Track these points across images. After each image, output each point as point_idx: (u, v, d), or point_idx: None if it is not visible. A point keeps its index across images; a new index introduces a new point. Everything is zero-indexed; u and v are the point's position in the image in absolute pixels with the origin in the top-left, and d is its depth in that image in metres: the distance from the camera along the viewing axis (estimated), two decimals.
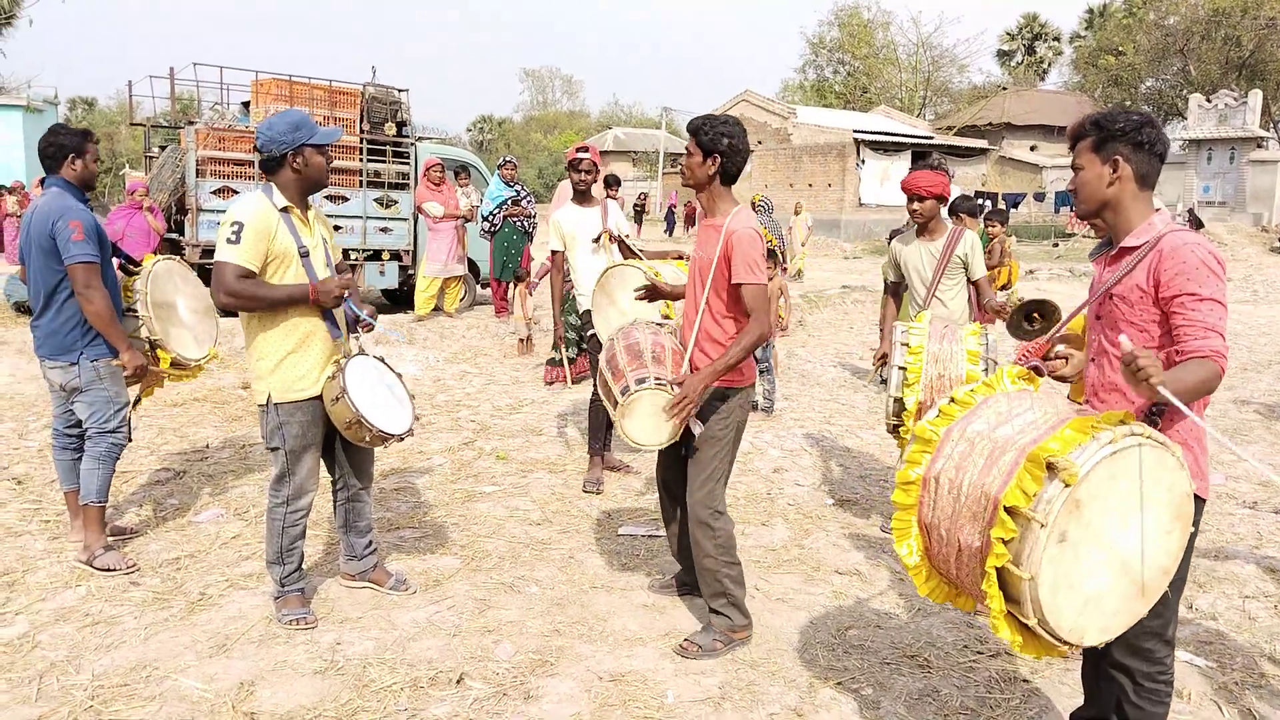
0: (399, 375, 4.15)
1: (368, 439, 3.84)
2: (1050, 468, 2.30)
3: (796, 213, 20.78)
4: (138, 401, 4.87)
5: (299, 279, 3.78)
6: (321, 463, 4.08)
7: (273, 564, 3.99)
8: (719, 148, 3.67)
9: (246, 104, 12.96)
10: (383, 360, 4.09)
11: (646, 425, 3.71)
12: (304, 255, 3.79)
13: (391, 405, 3.95)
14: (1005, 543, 2.35)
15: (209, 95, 13.41)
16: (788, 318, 8.10)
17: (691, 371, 3.76)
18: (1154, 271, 2.59)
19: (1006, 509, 2.35)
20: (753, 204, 12.37)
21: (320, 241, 3.94)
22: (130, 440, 5.01)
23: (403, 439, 3.97)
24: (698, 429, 3.71)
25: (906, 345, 4.71)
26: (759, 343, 3.65)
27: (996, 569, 2.38)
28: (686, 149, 3.80)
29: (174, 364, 4.68)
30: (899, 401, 4.71)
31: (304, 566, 4.10)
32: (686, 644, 3.80)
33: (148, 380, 4.73)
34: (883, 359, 5.46)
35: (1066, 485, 2.27)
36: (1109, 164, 2.67)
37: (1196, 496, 2.57)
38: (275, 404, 3.81)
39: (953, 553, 2.55)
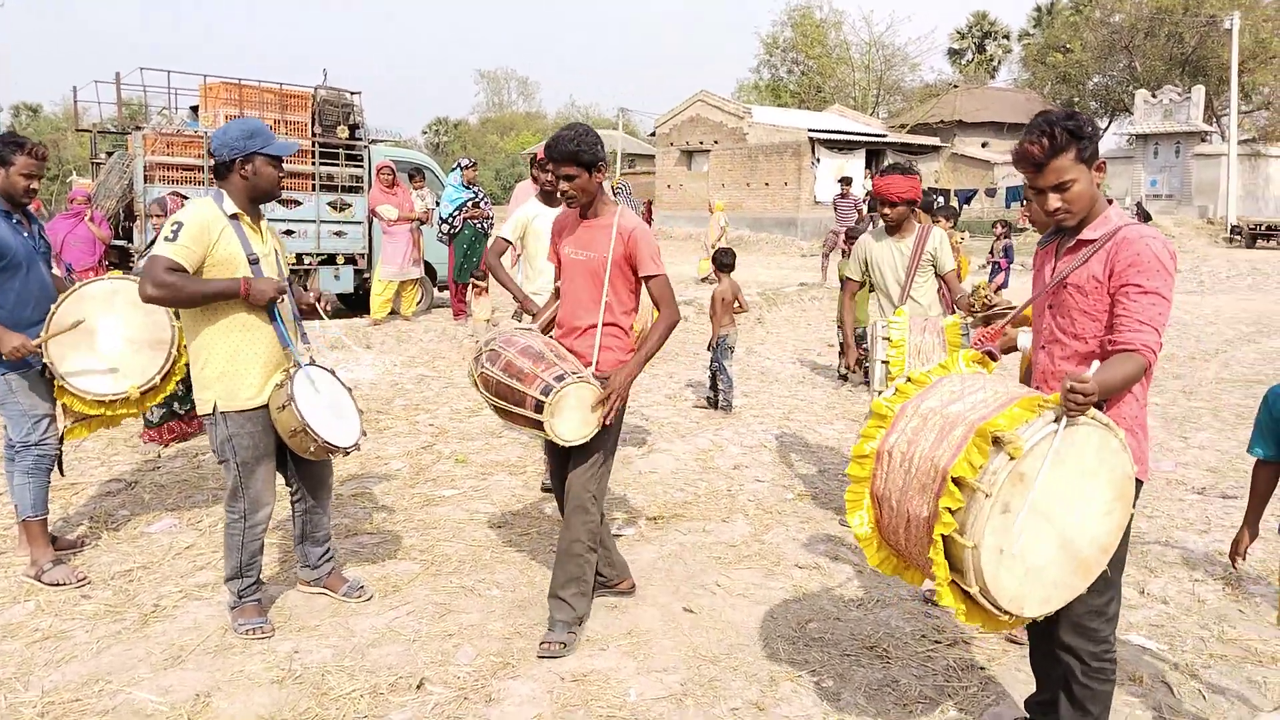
0: (349, 389, 4.10)
1: (312, 449, 3.78)
2: (996, 441, 2.40)
3: (711, 211, 19.68)
4: (62, 439, 4.60)
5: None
6: (279, 473, 4.03)
7: (231, 579, 3.92)
8: (600, 157, 3.78)
9: (195, 108, 12.78)
10: (333, 373, 4.04)
11: (573, 421, 3.70)
12: (253, 262, 3.72)
13: (339, 417, 3.90)
14: (952, 512, 2.44)
15: (156, 100, 13.20)
16: (731, 326, 8.14)
17: (597, 370, 3.83)
18: (1110, 261, 2.67)
19: (954, 480, 2.44)
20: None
21: (272, 251, 3.88)
22: (63, 475, 4.86)
23: (348, 452, 3.92)
24: (610, 418, 3.81)
25: (888, 340, 4.75)
26: (672, 331, 3.84)
27: (943, 537, 2.47)
28: (564, 175, 3.77)
29: (62, 390, 4.35)
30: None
31: (261, 577, 4.05)
32: (547, 644, 3.77)
33: (69, 414, 4.52)
34: (859, 362, 5.47)
35: (1011, 458, 2.37)
36: (1094, 167, 2.71)
37: (1136, 480, 2.66)
38: (222, 413, 3.73)
39: (901, 523, 2.64)
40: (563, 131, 3.77)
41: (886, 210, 5.27)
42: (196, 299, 3.60)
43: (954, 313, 5.40)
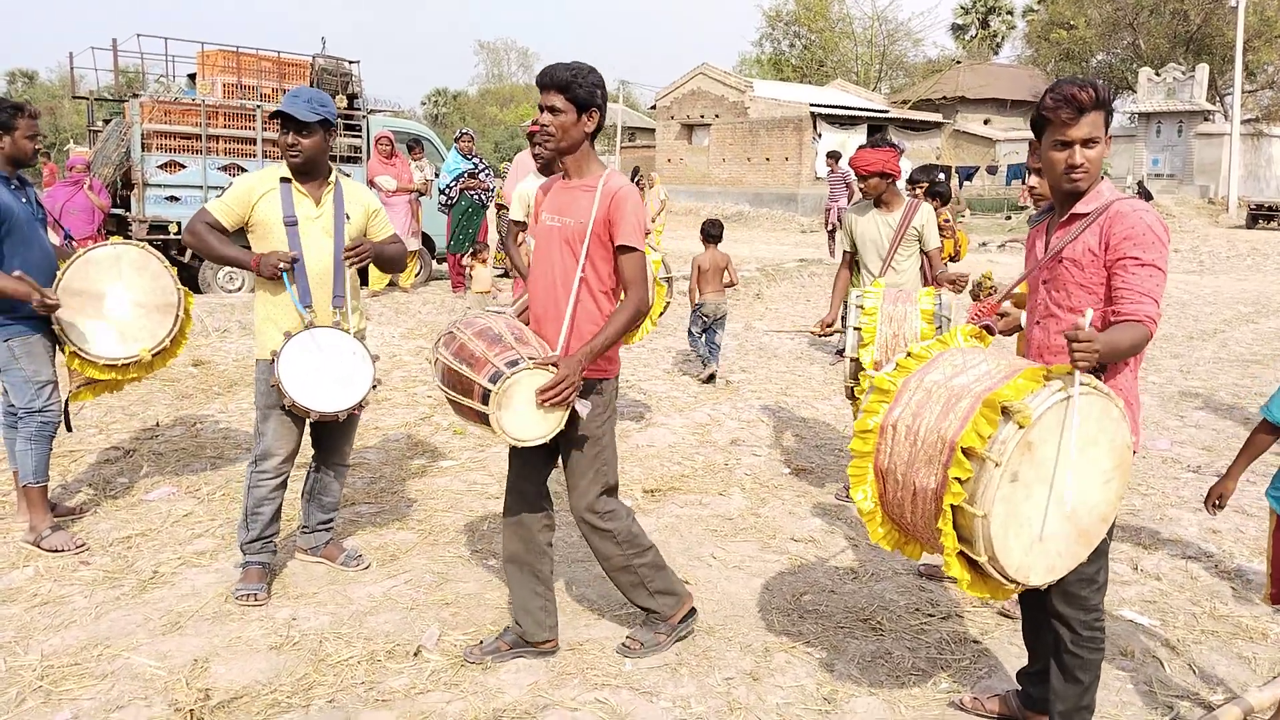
0: (374, 358, 4.02)
1: (286, 405, 3.84)
2: (1005, 411, 2.42)
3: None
4: (68, 403, 4.65)
5: (281, 246, 3.88)
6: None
7: (240, 525, 4.04)
8: (596, 101, 3.26)
9: (193, 76, 12.71)
10: (360, 339, 4.02)
11: (526, 416, 3.14)
12: (290, 224, 3.88)
13: (335, 382, 3.90)
14: (961, 482, 2.46)
15: (154, 67, 13.12)
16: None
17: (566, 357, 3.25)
18: (1105, 234, 2.69)
19: (963, 450, 2.45)
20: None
21: (329, 215, 3.96)
22: (70, 430, 4.89)
23: (338, 418, 3.93)
24: (584, 410, 3.24)
25: (861, 308, 4.80)
26: (638, 318, 3.32)
27: (952, 507, 2.49)
28: (549, 107, 3.25)
29: (74, 355, 4.40)
30: (855, 362, 4.79)
31: (274, 539, 4.07)
32: (630, 641, 3.57)
33: (76, 378, 4.57)
34: (827, 326, 5.53)
35: (1020, 427, 2.39)
36: (1107, 137, 2.73)
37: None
38: (257, 360, 3.97)
39: (908, 496, 2.65)
40: (561, 62, 3.27)
41: (860, 185, 5.40)
42: (214, 258, 3.93)
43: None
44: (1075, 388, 2.42)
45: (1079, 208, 2.77)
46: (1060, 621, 2.85)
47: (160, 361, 4.69)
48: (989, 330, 3.00)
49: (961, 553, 2.54)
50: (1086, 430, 2.49)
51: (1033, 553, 2.51)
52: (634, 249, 3.26)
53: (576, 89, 3.21)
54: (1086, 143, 2.68)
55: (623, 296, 3.36)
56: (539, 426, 3.18)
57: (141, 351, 4.52)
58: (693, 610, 3.68)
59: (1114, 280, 2.68)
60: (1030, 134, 2.88)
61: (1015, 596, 3.04)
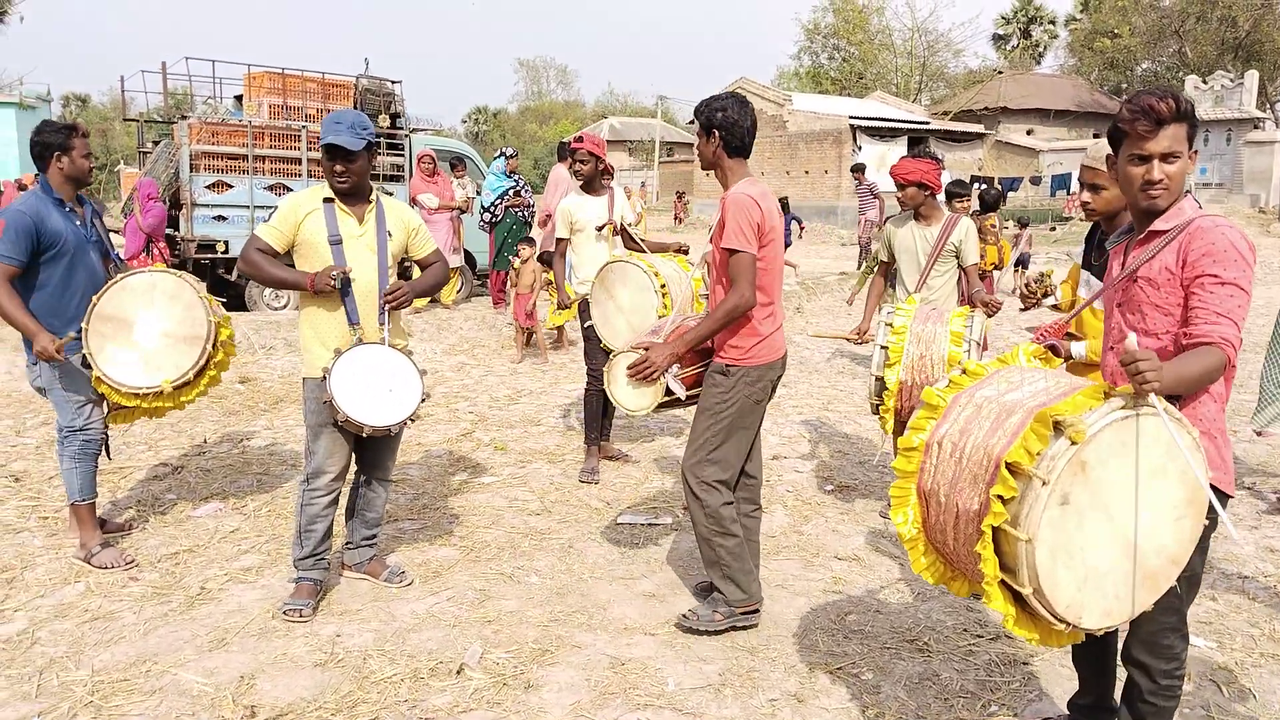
0: (422, 373, 4.06)
1: (338, 420, 3.88)
2: (1057, 426, 2.20)
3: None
4: (107, 425, 4.64)
5: (328, 263, 3.93)
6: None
7: (293, 542, 4.11)
8: (715, 123, 3.77)
9: (239, 97, 12.92)
10: (408, 354, 4.06)
11: (628, 389, 3.86)
12: (335, 243, 3.95)
13: (385, 398, 3.93)
14: (1005, 502, 2.24)
15: (202, 89, 13.37)
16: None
17: (715, 351, 3.84)
18: (1184, 251, 2.49)
19: (1009, 466, 2.24)
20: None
21: (372, 233, 4.03)
22: (110, 459, 4.93)
23: (391, 432, 3.98)
24: (679, 389, 3.82)
25: (890, 325, 4.73)
26: (733, 315, 3.65)
27: (994, 529, 2.27)
28: (697, 133, 3.91)
29: (98, 380, 4.33)
30: (880, 380, 4.73)
31: (326, 554, 4.11)
32: (689, 614, 3.87)
33: (111, 405, 4.57)
34: (862, 333, 5.47)
35: (1073, 443, 2.17)
36: (1191, 151, 2.54)
37: (1218, 490, 2.49)
38: (303, 379, 4.03)
39: (950, 520, 2.44)
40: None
41: (899, 193, 5.37)
42: (270, 282, 3.99)
43: (969, 304, 5.33)
44: (1130, 413, 2.19)
45: (1158, 225, 2.58)
46: (1140, 670, 2.67)
47: (185, 393, 4.54)
48: (1054, 351, 2.83)
49: (1006, 584, 2.31)
50: (1153, 458, 2.25)
51: (1087, 590, 2.26)
52: (734, 250, 3.63)
53: (700, 115, 3.82)
54: (1166, 157, 2.49)
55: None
56: (638, 399, 3.87)
57: (164, 383, 4.39)
58: (756, 611, 3.90)
59: (1191, 300, 2.46)
60: (1075, 144, 2.78)
61: None
